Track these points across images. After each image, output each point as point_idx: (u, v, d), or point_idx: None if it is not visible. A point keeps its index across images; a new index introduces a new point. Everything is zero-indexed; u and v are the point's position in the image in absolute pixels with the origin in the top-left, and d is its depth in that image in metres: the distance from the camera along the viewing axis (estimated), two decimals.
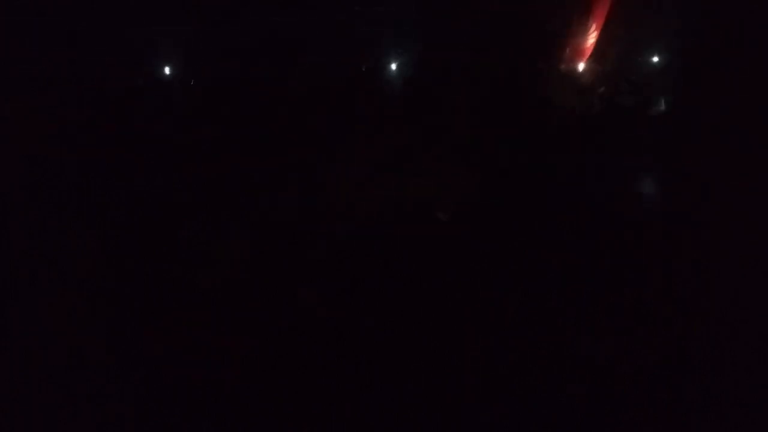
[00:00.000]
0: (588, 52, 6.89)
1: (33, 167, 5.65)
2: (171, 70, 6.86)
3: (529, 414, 4.47)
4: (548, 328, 4.95)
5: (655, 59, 6.94)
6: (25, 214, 5.44)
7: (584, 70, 6.93)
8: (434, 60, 6.75)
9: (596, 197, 5.77)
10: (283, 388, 4.66)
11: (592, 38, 6.83)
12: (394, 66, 6.97)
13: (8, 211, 5.42)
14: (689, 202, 5.66)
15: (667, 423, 4.41)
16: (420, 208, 5.76)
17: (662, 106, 6.68)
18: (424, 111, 6.51)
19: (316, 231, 5.65)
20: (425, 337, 4.90)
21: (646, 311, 4.95)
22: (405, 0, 6.76)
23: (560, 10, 6.74)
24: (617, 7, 6.62)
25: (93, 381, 4.58)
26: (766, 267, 4.98)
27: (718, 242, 5.14)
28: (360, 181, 5.84)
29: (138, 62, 6.63)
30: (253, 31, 6.68)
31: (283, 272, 5.38)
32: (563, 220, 5.55)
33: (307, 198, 5.89)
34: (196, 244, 5.56)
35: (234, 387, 4.64)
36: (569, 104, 6.72)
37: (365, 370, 4.75)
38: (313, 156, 6.11)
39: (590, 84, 6.87)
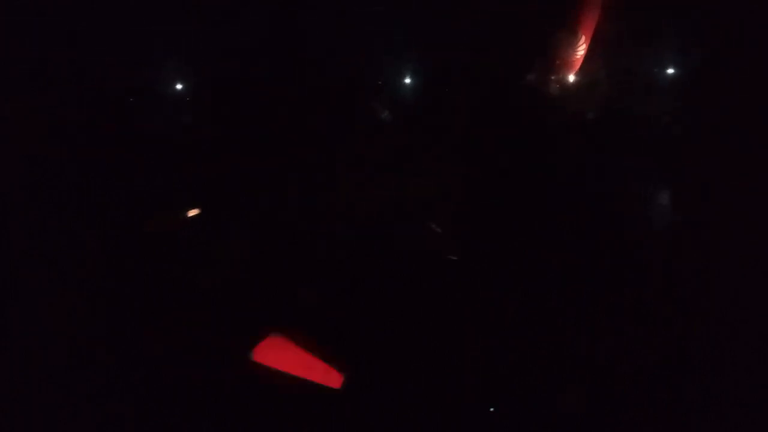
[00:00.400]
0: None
1: (33, 167, 5.65)
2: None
3: (529, 414, 4.47)
4: (548, 329, 4.95)
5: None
6: (25, 214, 5.44)
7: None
8: (434, 60, 6.74)
9: (596, 198, 5.77)
10: (282, 388, 4.66)
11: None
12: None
13: (8, 211, 5.42)
14: (689, 203, 5.66)
15: (667, 423, 4.41)
16: (420, 209, 5.76)
17: (661, 108, 6.68)
18: (424, 111, 6.52)
19: (316, 231, 5.65)
20: (425, 338, 4.90)
21: (646, 311, 4.95)
22: (405, 0, 6.75)
23: (560, 10, 6.73)
24: (614, 11, 6.61)
25: (93, 381, 4.58)
26: (767, 267, 4.98)
27: (718, 243, 5.14)
28: (360, 182, 5.84)
29: (138, 62, 6.62)
30: (253, 31, 6.67)
31: (284, 272, 5.38)
32: (563, 220, 5.55)
33: (307, 198, 5.89)
34: (196, 244, 5.56)
35: (234, 387, 4.64)
36: (569, 105, 6.72)
37: (365, 370, 4.75)
38: (313, 156, 6.11)
39: (590, 85, 6.86)
